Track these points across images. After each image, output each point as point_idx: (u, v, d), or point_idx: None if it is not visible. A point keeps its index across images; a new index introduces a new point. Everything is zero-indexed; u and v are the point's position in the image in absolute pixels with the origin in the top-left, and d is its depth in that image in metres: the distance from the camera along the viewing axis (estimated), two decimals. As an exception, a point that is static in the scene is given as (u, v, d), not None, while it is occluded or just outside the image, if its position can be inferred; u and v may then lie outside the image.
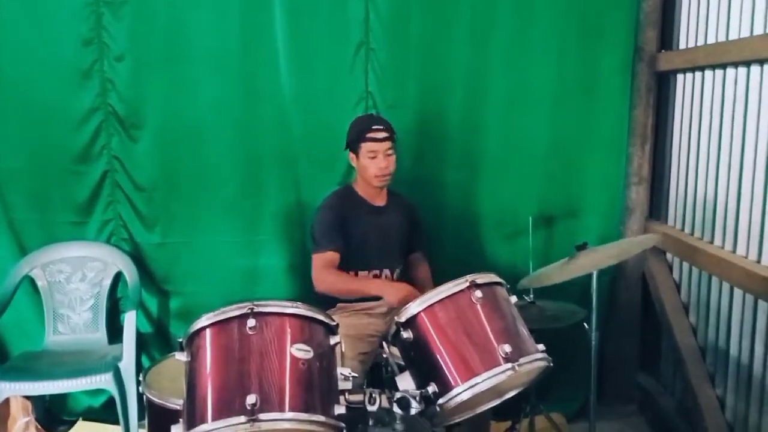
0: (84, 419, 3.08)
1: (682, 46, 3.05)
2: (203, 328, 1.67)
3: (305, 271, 2.69)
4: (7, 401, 2.92)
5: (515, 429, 2.75)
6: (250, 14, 2.93)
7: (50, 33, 2.88)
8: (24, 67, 2.90)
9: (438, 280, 2.74)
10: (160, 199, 3.06)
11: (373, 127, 2.60)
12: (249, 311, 1.64)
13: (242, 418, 1.50)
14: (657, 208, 3.29)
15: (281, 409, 1.54)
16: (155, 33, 2.92)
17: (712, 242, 2.78)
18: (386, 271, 2.70)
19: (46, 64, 2.90)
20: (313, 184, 3.06)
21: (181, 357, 1.69)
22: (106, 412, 3.07)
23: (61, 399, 3.15)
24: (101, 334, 3.04)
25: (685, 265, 3.03)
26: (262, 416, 1.50)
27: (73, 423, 3.07)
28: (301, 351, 1.63)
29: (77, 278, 3.04)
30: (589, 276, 2.38)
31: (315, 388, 1.61)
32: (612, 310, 3.31)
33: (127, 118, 2.97)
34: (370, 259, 2.67)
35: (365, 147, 2.59)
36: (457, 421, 1.95)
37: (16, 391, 2.70)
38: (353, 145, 2.63)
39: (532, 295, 2.64)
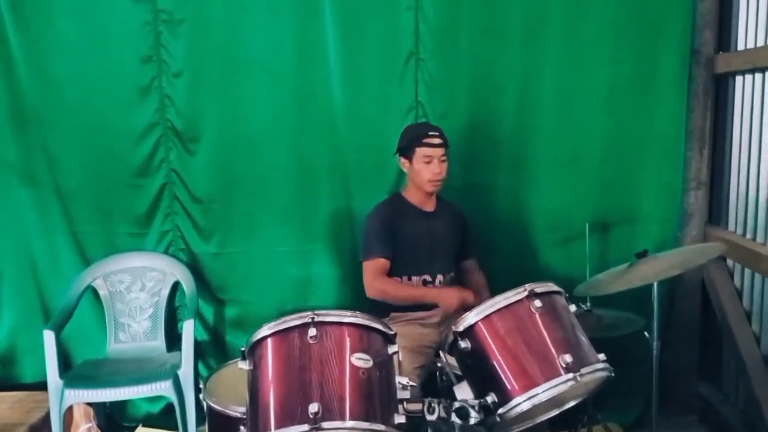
0: (143, 425, 3.15)
1: (740, 47, 2.97)
2: (265, 337, 1.70)
3: (357, 280, 2.72)
4: (70, 408, 3.02)
5: (572, 439, 2.70)
6: (302, 28, 2.98)
7: (111, 51, 2.97)
8: (86, 85, 2.99)
9: (491, 286, 2.77)
10: (216, 211, 3.12)
11: (430, 133, 2.64)
12: (310, 320, 1.66)
13: (305, 427, 1.52)
14: (716, 213, 3.20)
15: (342, 418, 1.56)
16: (212, 49, 2.98)
17: (775, 248, 2.70)
18: (439, 277, 2.71)
19: (107, 81, 2.99)
20: (364, 193, 3.08)
21: (243, 365, 1.72)
22: (164, 418, 3.14)
23: (121, 405, 3.23)
24: (160, 342, 3.11)
25: (747, 271, 2.94)
26: (324, 425, 1.52)
27: (132, 429, 3.15)
28: (361, 360, 1.65)
29: (137, 288, 3.12)
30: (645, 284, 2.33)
31: (375, 396, 1.63)
32: (670, 318, 3.22)
33: (184, 133, 3.05)
34: (421, 263, 2.69)
35: (420, 152, 2.61)
36: (514, 431, 1.93)
37: (80, 398, 2.79)
38: (407, 150, 2.66)
39: (588, 303, 2.60)
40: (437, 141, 2.63)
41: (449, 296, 2.49)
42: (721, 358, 3.22)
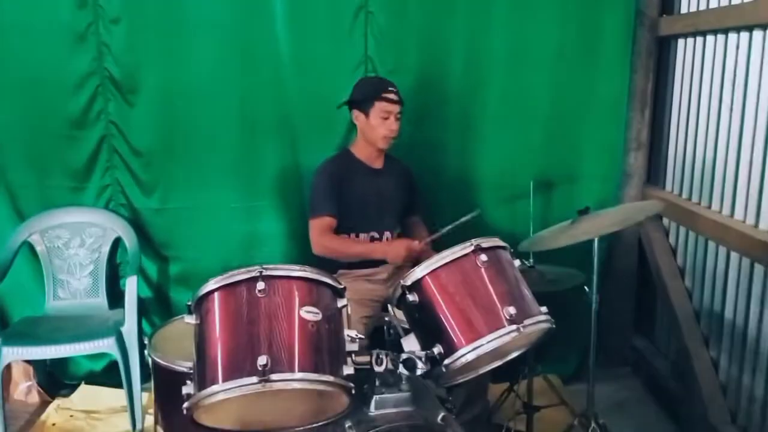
0: (86, 383, 3.11)
1: (683, 10, 3.04)
2: (212, 291, 1.67)
3: (304, 236, 2.70)
4: (8, 366, 2.95)
5: (513, 390, 2.80)
6: (248, -24, 2.89)
7: (44, -5, 2.82)
8: (18, 31, 2.84)
9: (438, 244, 2.79)
10: (158, 164, 3.04)
11: (389, 89, 2.62)
12: (258, 274, 1.64)
13: (254, 379, 1.51)
14: (655, 173, 3.31)
15: (291, 370, 1.55)
16: (151, -6, 2.87)
17: (709, 207, 2.81)
18: (387, 234, 2.73)
19: (40, 27, 2.84)
20: (311, 148, 3.04)
21: (190, 320, 1.69)
22: (107, 375, 3.12)
23: (62, 363, 3.17)
24: (102, 299, 3.05)
25: (682, 229, 3.06)
26: (273, 377, 1.52)
27: (74, 387, 3.11)
28: (310, 313, 1.64)
29: (76, 244, 3.03)
30: (587, 240, 2.40)
31: (324, 349, 1.63)
32: (608, 274, 3.34)
33: (123, 83, 2.94)
34: (368, 220, 2.70)
35: (380, 106, 2.59)
36: (459, 381, 1.98)
37: (19, 355, 2.72)
38: (364, 104, 2.63)
39: (532, 260, 2.66)
40: (396, 97, 2.62)
41: (396, 249, 2.51)
42: (654, 312, 3.37)
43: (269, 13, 2.93)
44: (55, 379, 3.19)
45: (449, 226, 2.46)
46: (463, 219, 2.45)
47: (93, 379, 3.15)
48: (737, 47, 2.60)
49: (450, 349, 1.77)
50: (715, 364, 2.79)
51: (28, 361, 3.04)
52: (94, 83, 2.93)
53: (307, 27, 2.97)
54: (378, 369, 1.75)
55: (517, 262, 2.00)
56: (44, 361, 3.10)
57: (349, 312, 1.78)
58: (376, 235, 2.71)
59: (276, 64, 2.99)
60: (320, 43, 2.99)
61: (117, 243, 3.06)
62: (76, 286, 3.04)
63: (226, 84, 2.99)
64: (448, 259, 1.86)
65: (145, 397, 2.85)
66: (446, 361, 1.77)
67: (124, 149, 3.01)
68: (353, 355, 1.71)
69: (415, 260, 2.70)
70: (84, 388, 3.08)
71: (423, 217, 2.92)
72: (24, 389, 3.09)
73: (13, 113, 2.93)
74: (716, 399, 2.70)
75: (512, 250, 2.02)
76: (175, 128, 3.02)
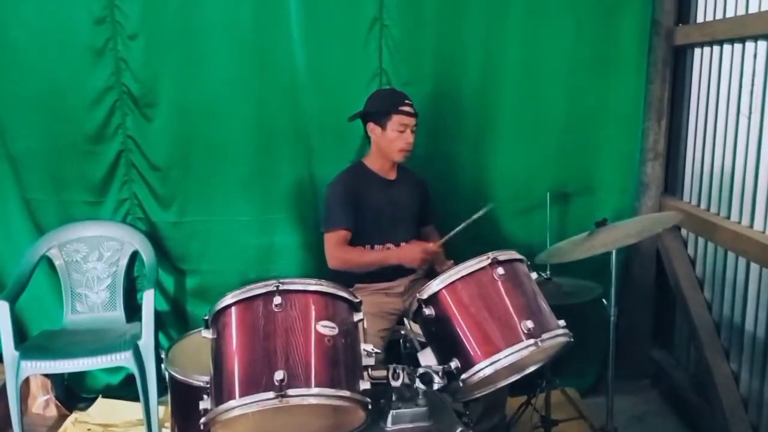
0: (103, 397, 3.12)
1: (699, 19, 3.02)
2: (229, 306, 1.67)
3: (320, 248, 2.70)
4: (27, 380, 2.97)
5: (531, 404, 2.77)
6: (263, -9, 2.91)
7: (62, 12, 2.85)
8: (37, 47, 2.88)
9: (454, 255, 2.78)
10: (175, 178, 3.06)
11: (406, 101, 2.62)
12: (275, 289, 1.64)
13: (271, 394, 1.51)
14: (672, 183, 3.28)
15: (308, 385, 1.56)
16: (168, 11, 2.89)
17: (728, 217, 2.78)
18: (402, 245, 2.71)
19: (58, 43, 2.88)
20: (326, 160, 3.05)
21: (207, 334, 1.70)
22: (125, 389, 3.12)
23: (79, 377, 3.19)
24: (119, 312, 3.06)
25: (701, 240, 3.03)
26: (290, 392, 1.52)
27: (92, 400, 3.12)
28: (326, 328, 1.64)
29: (94, 257, 3.05)
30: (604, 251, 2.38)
31: (340, 363, 1.63)
32: (626, 286, 3.31)
33: (141, 98, 2.96)
34: (383, 232, 2.69)
35: (397, 119, 2.59)
36: (476, 396, 1.97)
37: (37, 369, 2.73)
38: (380, 117, 2.62)
39: (549, 272, 2.64)
40: (412, 110, 2.63)
41: (411, 252, 2.51)
42: (673, 324, 3.33)
43: (285, 27, 2.95)
44: (73, 393, 3.20)
45: (463, 224, 2.43)
46: (477, 215, 2.43)
47: (110, 392, 3.16)
48: (755, 56, 2.58)
49: (467, 363, 1.77)
50: (735, 376, 2.75)
51: (46, 375, 3.06)
52: (112, 98, 2.96)
53: (323, 40, 2.98)
54: (395, 384, 1.74)
55: (534, 275, 1.99)
56: (62, 374, 3.12)
57: (365, 326, 1.78)
58: (392, 247, 2.70)
59: (291, 78, 3.01)
60: (335, 56, 3.00)
61: (134, 256, 3.08)
62: (93, 299, 3.06)
63: (242, 98, 3.01)
64: (464, 273, 1.86)
65: (161, 411, 2.86)
66: (463, 376, 1.76)
67: (141, 163, 3.04)
68: (370, 370, 1.71)
69: (430, 268, 2.71)
70: (101, 402, 3.09)
71: (437, 225, 2.92)
72: (42, 403, 3.11)
73: (32, 128, 2.96)
74: (737, 412, 2.66)
75: (529, 262, 2.01)
76: (192, 142, 3.04)
